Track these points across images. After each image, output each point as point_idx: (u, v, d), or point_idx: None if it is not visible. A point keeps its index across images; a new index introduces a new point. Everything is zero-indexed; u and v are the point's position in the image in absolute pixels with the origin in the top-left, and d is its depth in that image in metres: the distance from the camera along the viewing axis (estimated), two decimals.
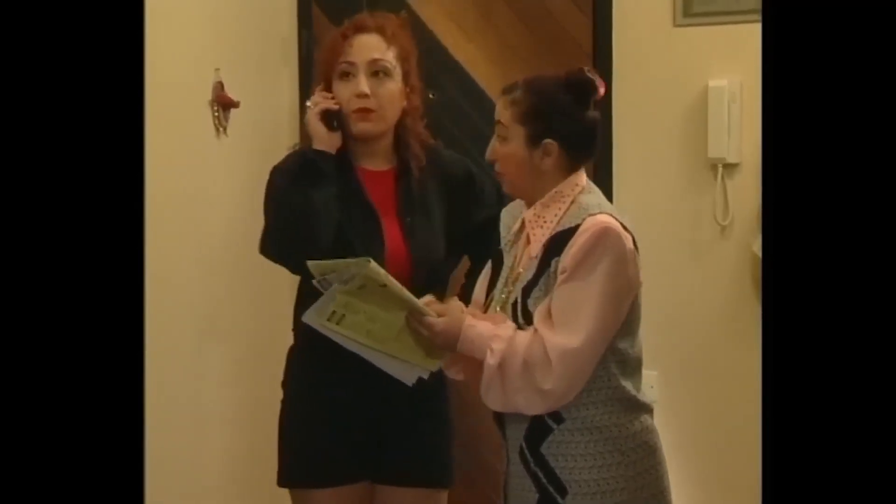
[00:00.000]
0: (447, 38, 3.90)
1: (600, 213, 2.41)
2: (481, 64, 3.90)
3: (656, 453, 2.47)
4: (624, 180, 3.74)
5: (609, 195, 3.55)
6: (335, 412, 2.69)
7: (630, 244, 2.41)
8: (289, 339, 3.95)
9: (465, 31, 3.92)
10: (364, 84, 2.68)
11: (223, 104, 3.48)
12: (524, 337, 2.37)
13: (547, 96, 2.45)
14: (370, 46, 2.71)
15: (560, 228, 2.42)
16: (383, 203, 2.73)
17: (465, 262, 2.88)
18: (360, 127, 2.70)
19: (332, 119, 2.68)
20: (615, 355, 2.41)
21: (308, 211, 2.59)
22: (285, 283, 3.82)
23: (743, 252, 3.66)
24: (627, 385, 2.43)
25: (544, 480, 2.42)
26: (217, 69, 3.47)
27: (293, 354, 2.86)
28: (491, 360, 2.37)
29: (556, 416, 2.40)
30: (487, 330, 2.41)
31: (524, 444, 2.44)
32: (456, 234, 2.78)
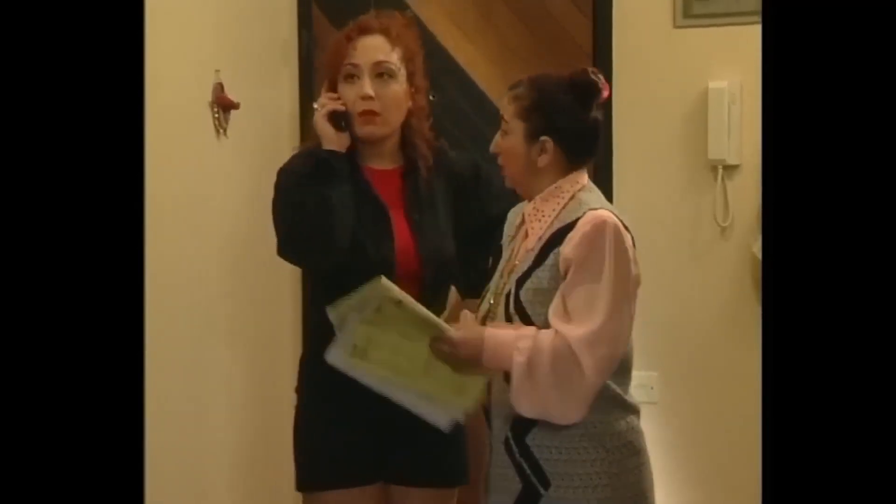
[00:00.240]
0: (447, 39, 3.90)
1: (601, 208, 2.43)
2: (481, 65, 3.90)
3: (640, 454, 2.49)
4: (624, 181, 3.74)
5: (609, 196, 3.56)
6: (348, 415, 2.69)
7: (630, 241, 2.42)
8: (288, 340, 3.96)
9: (464, 31, 3.92)
10: (368, 86, 2.69)
11: (223, 105, 3.48)
12: (547, 335, 2.38)
13: (548, 94, 2.48)
14: (374, 48, 2.72)
15: (560, 224, 2.44)
16: (391, 201, 2.74)
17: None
18: (365, 130, 2.71)
19: (339, 120, 2.69)
20: None
21: (326, 210, 2.59)
22: (285, 283, 3.84)
23: (743, 253, 3.66)
24: (614, 384, 2.45)
25: (528, 471, 2.43)
26: (217, 70, 3.47)
27: (305, 360, 2.87)
28: (520, 358, 2.37)
29: None
30: (510, 335, 2.41)
31: (510, 435, 2.46)
32: (466, 231, 2.80)
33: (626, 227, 2.43)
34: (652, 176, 3.75)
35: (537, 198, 2.50)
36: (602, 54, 3.75)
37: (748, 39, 3.47)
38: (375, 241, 2.67)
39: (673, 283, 3.70)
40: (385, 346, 2.45)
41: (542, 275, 2.43)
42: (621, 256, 2.40)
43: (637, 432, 2.50)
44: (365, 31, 2.73)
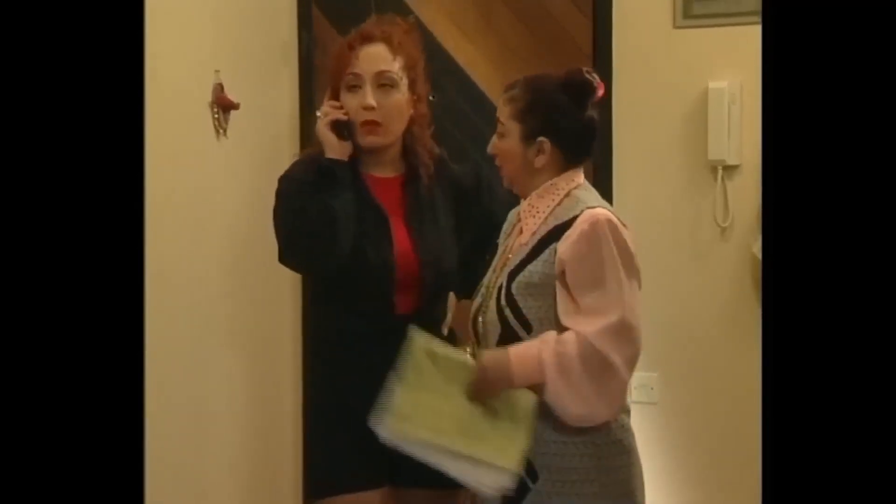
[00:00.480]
0: (447, 40, 3.90)
1: (598, 206, 2.45)
2: (481, 65, 3.90)
3: (630, 453, 2.51)
4: (624, 182, 3.74)
5: (609, 196, 3.56)
6: (354, 419, 2.69)
7: (629, 236, 2.44)
8: (288, 340, 3.96)
9: (465, 32, 3.92)
10: (370, 97, 2.70)
11: (223, 106, 3.48)
12: (569, 335, 2.40)
13: (544, 95, 2.49)
14: (377, 58, 2.72)
15: (556, 221, 2.46)
16: (392, 208, 2.75)
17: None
18: (367, 140, 2.73)
19: (342, 129, 2.70)
20: None
21: (329, 218, 2.61)
22: (286, 283, 3.84)
23: (743, 253, 3.66)
24: None
25: None
26: (217, 71, 3.47)
27: (310, 365, 2.89)
28: (549, 359, 2.39)
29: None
30: (532, 344, 2.43)
31: None
32: (468, 237, 2.81)
33: (623, 225, 2.45)
34: (652, 176, 3.75)
35: (533, 194, 2.52)
36: (602, 54, 3.75)
37: (748, 39, 3.47)
38: (375, 246, 2.69)
39: (673, 283, 3.70)
40: (427, 408, 2.47)
41: (534, 269, 2.45)
42: (624, 251, 2.42)
43: (627, 431, 2.51)
44: (367, 39, 2.74)
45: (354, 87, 2.72)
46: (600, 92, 2.51)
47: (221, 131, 3.49)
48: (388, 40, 2.74)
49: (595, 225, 2.41)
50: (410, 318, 2.68)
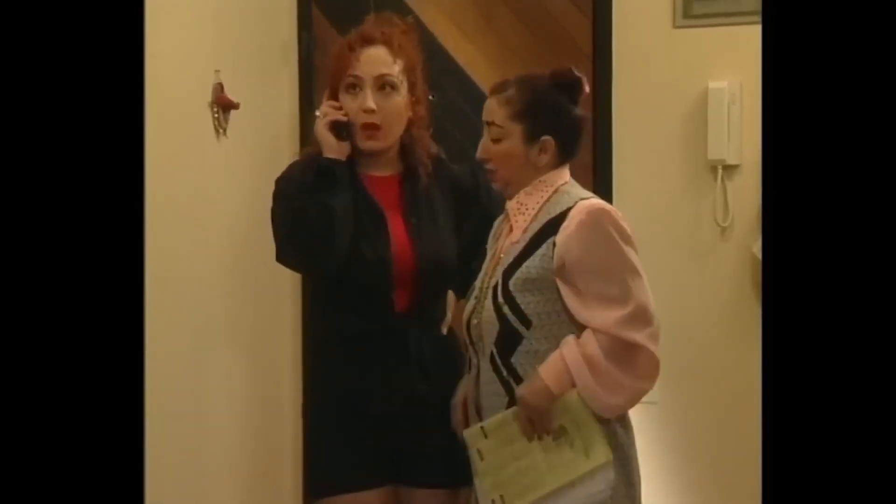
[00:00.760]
0: (447, 40, 3.90)
1: (592, 198, 2.49)
2: (481, 65, 3.90)
3: (624, 448, 2.51)
4: (624, 181, 3.74)
5: (609, 196, 3.56)
6: (354, 419, 2.70)
7: (627, 224, 2.46)
8: (288, 340, 3.96)
9: (464, 32, 3.92)
10: (370, 100, 2.71)
11: (223, 106, 3.48)
12: (586, 335, 2.42)
13: (541, 94, 2.51)
14: (377, 60, 2.73)
15: (548, 216, 2.48)
16: (389, 206, 2.76)
17: None
18: (367, 144, 2.74)
19: (341, 129, 2.71)
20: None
21: (328, 218, 2.62)
22: (286, 283, 3.84)
23: (743, 253, 3.66)
24: None
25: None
26: (217, 70, 3.47)
27: (310, 365, 2.89)
28: (573, 363, 2.41)
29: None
30: (555, 354, 2.45)
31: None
32: (467, 235, 2.81)
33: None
34: (652, 176, 3.75)
35: (521, 192, 2.54)
36: (602, 54, 3.75)
37: (748, 39, 3.47)
38: (372, 244, 2.69)
39: (673, 283, 3.69)
40: (511, 479, 2.50)
41: (531, 265, 2.46)
42: (625, 236, 2.44)
43: (625, 427, 2.52)
44: (368, 41, 2.74)
45: (354, 88, 2.73)
46: (587, 89, 2.56)
47: (221, 131, 3.49)
48: (388, 42, 2.74)
49: (593, 213, 2.43)
50: (410, 316, 2.69)
